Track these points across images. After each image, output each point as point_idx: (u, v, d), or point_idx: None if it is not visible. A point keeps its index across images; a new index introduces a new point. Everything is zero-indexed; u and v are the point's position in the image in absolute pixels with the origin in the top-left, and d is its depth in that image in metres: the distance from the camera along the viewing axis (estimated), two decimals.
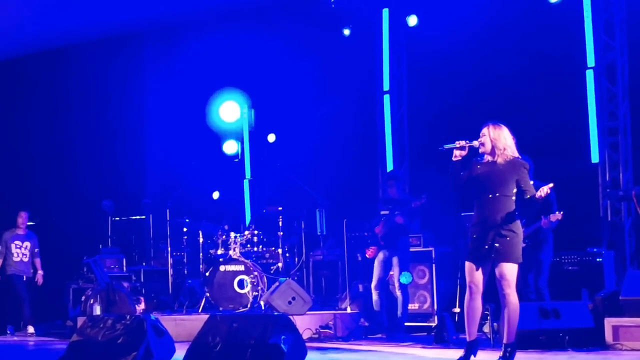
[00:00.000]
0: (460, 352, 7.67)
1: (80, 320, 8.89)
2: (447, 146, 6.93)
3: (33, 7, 12.33)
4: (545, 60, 11.15)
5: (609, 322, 8.06)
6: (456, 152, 6.88)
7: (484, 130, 6.87)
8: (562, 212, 8.75)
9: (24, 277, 11.62)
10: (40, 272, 11.70)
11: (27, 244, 11.70)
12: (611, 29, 10.91)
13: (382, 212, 9.93)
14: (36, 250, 11.74)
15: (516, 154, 6.85)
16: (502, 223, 6.69)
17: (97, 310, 10.37)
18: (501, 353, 6.91)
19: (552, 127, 10.96)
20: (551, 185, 6.72)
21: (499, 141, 6.82)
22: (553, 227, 8.96)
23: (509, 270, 6.79)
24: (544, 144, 10.59)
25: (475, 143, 6.86)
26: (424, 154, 12.45)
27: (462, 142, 6.86)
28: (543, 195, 6.61)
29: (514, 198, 6.71)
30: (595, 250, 9.94)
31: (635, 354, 7.68)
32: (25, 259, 11.65)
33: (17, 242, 11.62)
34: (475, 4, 11.40)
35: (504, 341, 6.93)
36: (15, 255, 11.58)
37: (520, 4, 11.30)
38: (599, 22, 10.91)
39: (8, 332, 11.56)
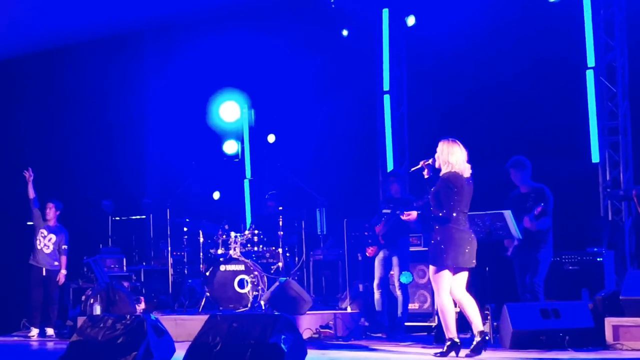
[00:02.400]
0: (460, 352, 7.68)
1: (80, 320, 8.89)
2: (413, 169, 8.03)
3: (33, 7, 12.32)
4: (545, 60, 11.15)
5: (609, 322, 8.06)
6: (424, 173, 7.92)
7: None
8: (541, 205, 8.75)
9: (43, 269, 11.21)
10: (63, 271, 11.26)
11: (52, 236, 11.29)
12: (611, 29, 10.91)
13: (384, 211, 9.92)
14: (63, 247, 11.29)
15: (457, 169, 7.68)
16: (436, 230, 7.76)
17: (97, 310, 10.36)
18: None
19: (552, 127, 10.96)
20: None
21: (440, 157, 7.75)
22: (540, 228, 8.89)
23: (431, 272, 7.84)
24: (544, 144, 10.61)
25: (430, 160, 7.84)
26: (424, 154, 12.37)
27: (422, 163, 7.89)
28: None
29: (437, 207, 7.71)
30: (595, 250, 9.94)
31: (635, 354, 7.68)
32: (47, 250, 11.22)
33: (43, 231, 11.27)
34: (475, 4, 11.40)
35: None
36: (37, 243, 11.24)
37: (520, 4, 11.30)
38: (599, 22, 10.90)
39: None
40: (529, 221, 8.82)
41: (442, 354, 7.69)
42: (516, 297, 9.04)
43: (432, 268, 7.82)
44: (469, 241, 7.69)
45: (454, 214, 7.63)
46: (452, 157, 7.68)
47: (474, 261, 7.77)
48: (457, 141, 7.78)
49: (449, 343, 7.70)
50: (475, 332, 7.68)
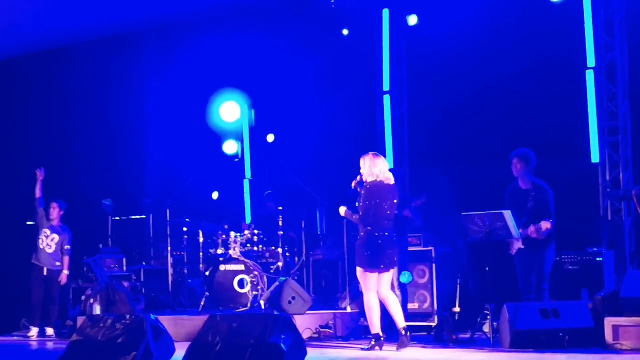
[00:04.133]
0: (460, 352, 7.70)
1: (80, 320, 8.90)
2: (354, 186, 8.62)
3: (33, 7, 12.32)
4: (545, 60, 11.14)
5: (609, 322, 8.05)
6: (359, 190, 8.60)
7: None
8: (551, 221, 8.69)
9: (45, 269, 11.20)
10: (65, 272, 11.24)
11: (55, 236, 11.27)
12: (611, 29, 10.91)
13: None
14: (66, 247, 11.27)
15: (382, 178, 8.44)
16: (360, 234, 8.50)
17: (97, 310, 10.36)
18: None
19: (552, 127, 10.96)
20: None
21: (366, 171, 8.48)
22: (543, 237, 8.86)
23: (359, 273, 8.50)
24: (544, 144, 10.58)
25: (359, 178, 8.56)
26: (424, 154, 12.47)
27: (354, 184, 8.61)
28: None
29: (359, 214, 8.47)
30: (595, 250, 9.93)
31: (635, 354, 7.67)
32: (50, 250, 11.20)
33: (46, 231, 11.24)
34: (475, 4, 11.39)
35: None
36: (40, 242, 11.22)
37: (520, 3, 11.29)
38: (599, 22, 10.90)
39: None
40: (535, 233, 8.74)
41: (369, 349, 8.39)
42: (517, 297, 9.01)
43: (359, 269, 8.46)
44: (392, 244, 8.46)
45: (377, 219, 8.39)
46: (376, 169, 8.44)
47: (396, 260, 8.60)
48: (378, 154, 8.59)
49: (374, 340, 8.38)
50: (399, 328, 8.40)
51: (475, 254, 9.72)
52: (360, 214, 8.46)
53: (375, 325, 8.43)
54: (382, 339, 8.43)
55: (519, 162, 9.01)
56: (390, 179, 8.52)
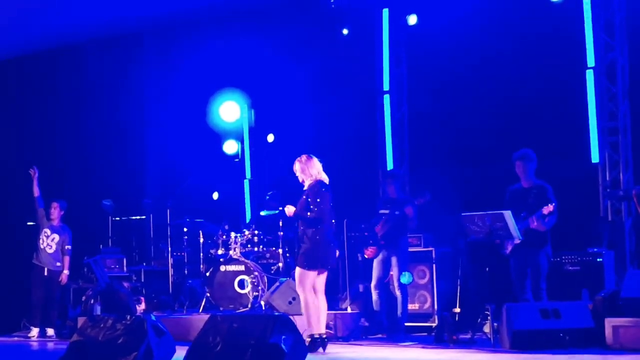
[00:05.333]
0: (460, 353, 7.69)
1: (81, 320, 8.90)
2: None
3: (33, 7, 12.32)
4: (545, 60, 11.14)
5: (609, 322, 8.06)
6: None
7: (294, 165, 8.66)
8: (554, 204, 8.69)
9: (45, 269, 11.21)
10: (65, 272, 11.25)
11: (56, 236, 11.27)
12: (611, 29, 10.91)
13: (381, 212, 9.92)
14: (66, 247, 11.28)
15: (320, 178, 8.60)
16: (302, 235, 8.53)
17: (98, 310, 10.36)
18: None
19: (552, 127, 10.96)
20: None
21: (302, 173, 8.61)
22: (548, 228, 8.87)
23: (298, 273, 8.48)
24: (544, 144, 10.58)
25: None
26: (424, 154, 12.46)
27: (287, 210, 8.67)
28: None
29: (309, 214, 8.44)
30: (595, 250, 9.92)
31: (635, 354, 7.67)
32: (50, 250, 11.21)
33: (47, 231, 11.25)
34: (475, 3, 11.39)
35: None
36: (40, 242, 11.24)
37: (520, 3, 11.29)
38: (599, 22, 10.91)
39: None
40: (535, 221, 8.76)
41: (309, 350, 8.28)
42: (515, 297, 9.02)
43: (298, 269, 8.48)
44: (329, 245, 8.56)
45: (321, 220, 8.46)
46: (314, 170, 8.59)
47: (332, 262, 8.70)
48: (311, 155, 8.69)
49: (309, 339, 8.28)
50: (317, 333, 8.40)
51: (476, 254, 9.71)
52: (314, 213, 8.42)
53: (314, 324, 8.40)
54: (325, 338, 8.41)
55: (523, 163, 9.05)
56: (327, 179, 8.67)
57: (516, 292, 9.03)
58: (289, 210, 8.63)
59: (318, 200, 8.46)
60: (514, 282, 9.06)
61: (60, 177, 13.49)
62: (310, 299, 8.44)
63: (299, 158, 8.68)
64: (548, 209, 8.65)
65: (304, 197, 8.53)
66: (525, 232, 8.78)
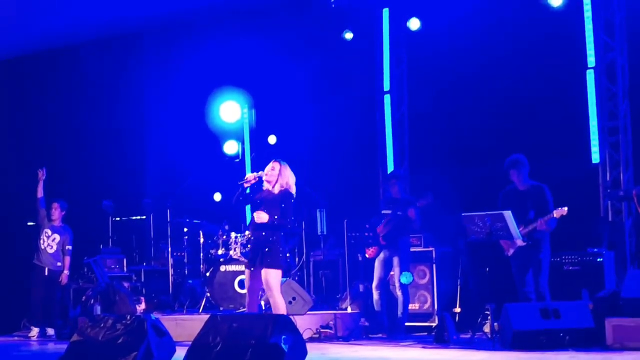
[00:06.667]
0: (460, 353, 7.69)
1: (81, 321, 8.89)
2: (241, 182, 8.49)
3: (33, 7, 12.32)
4: (545, 60, 11.15)
5: (609, 322, 8.05)
6: (249, 181, 8.48)
7: (274, 165, 8.40)
8: (566, 207, 8.68)
9: (45, 269, 11.18)
10: (65, 272, 11.22)
11: (57, 236, 11.25)
12: (611, 29, 10.91)
13: (384, 212, 9.92)
14: (67, 247, 11.25)
15: (292, 189, 8.39)
16: (267, 236, 8.21)
17: (98, 310, 10.36)
18: None
19: (553, 127, 10.96)
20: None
21: (281, 178, 8.35)
22: (552, 229, 8.87)
23: (270, 275, 8.16)
24: (544, 144, 10.60)
25: (262, 173, 8.41)
26: (424, 154, 12.47)
27: (252, 177, 8.49)
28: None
29: (276, 216, 8.22)
30: (595, 250, 9.92)
31: (635, 354, 7.67)
32: (50, 250, 11.18)
33: (47, 231, 11.23)
34: (476, 4, 11.39)
35: None
36: (41, 242, 11.21)
37: (520, 4, 11.29)
38: (599, 22, 10.91)
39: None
40: (545, 224, 8.73)
41: None
42: (516, 297, 9.02)
43: (270, 271, 8.16)
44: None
45: (290, 223, 8.38)
46: (292, 179, 8.42)
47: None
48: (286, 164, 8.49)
49: None
50: None
51: (476, 254, 9.71)
52: (287, 217, 8.27)
53: None
54: None
55: (515, 171, 9.06)
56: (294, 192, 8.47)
57: (517, 287, 9.02)
58: (262, 217, 8.25)
59: (289, 208, 8.30)
60: (514, 276, 9.05)
61: (61, 177, 13.46)
62: (277, 300, 8.18)
63: (280, 161, 8.41)
64: (560, 212, 8.65)
65: (280, 203, 8.26)
66: (529, 233, 8.80)
